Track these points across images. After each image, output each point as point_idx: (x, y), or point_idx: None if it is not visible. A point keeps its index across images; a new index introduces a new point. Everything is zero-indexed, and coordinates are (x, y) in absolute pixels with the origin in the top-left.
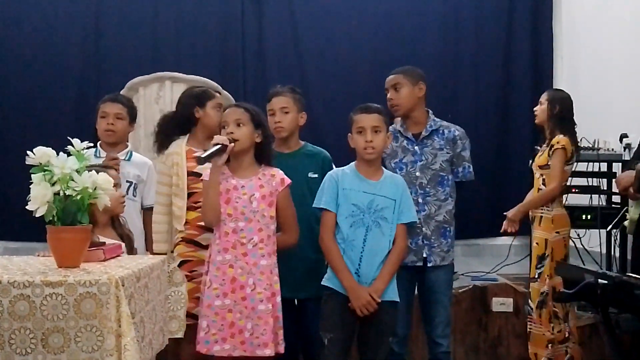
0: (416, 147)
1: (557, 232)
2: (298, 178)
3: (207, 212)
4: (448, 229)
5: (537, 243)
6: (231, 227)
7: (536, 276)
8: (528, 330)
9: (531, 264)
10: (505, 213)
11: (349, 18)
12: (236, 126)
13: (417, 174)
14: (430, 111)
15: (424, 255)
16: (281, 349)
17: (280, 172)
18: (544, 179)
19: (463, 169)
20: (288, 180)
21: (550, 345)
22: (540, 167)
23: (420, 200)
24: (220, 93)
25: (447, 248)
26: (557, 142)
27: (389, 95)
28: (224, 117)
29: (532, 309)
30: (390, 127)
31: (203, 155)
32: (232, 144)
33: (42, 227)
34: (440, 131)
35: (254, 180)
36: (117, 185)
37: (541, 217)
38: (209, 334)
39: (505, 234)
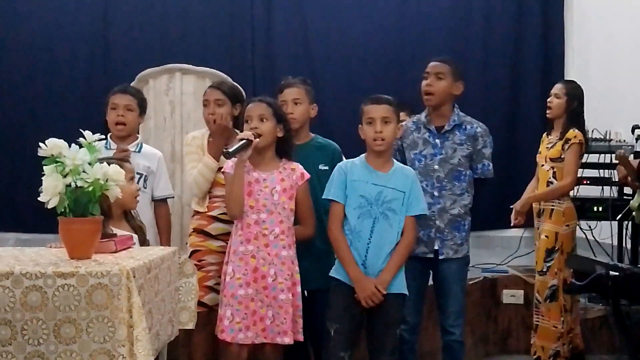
0: (437, 141)
1: (567, 226)
2: (308, 170)
3: (232, 205)
4: (462, 222)
5: (546, 236)
6: (253, 219)
7: (544, 269)
8: (535, 323)
9: (538, 257)
10: (512, 206)
11: (358, 9)
12: (260, 121)
13: (435, 167)
14: (456, 105)
15: (435, 247)
16: (300, 337)
17: (300, 166)
18: (554, 172)
19: (482, 165)
20: (307, 175)
21: (560, 338)
22: (552, 159)
23: (435, 193)
24: (221, 87)
25: (460, 241)
26: (574, 137)
27: (428, 81)
28: (247, 112)
29: (539, 302)
30: (415, 117)
31: (230, 150)
32: (257, 139)
33: (54, 219)
34: (463, 126)
35: (275, 174)
36: (132, 179)
37: (552, 210)
38: (233, 322)
39: (515, 227)
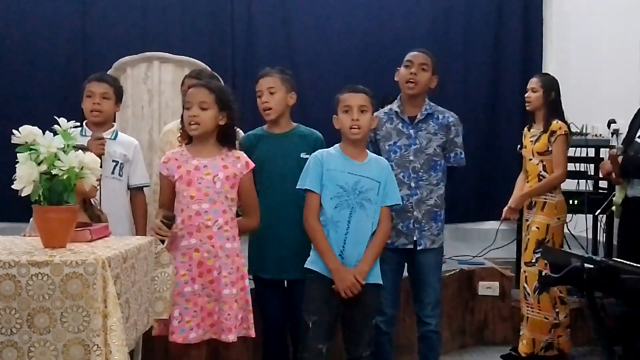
0: (411, 131)
1: (558, 218)
2: (290, 159)
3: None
4: (438, 212)
5: (537, 227)
6: (194, 210)
7: (533, 260)
8: (525, 315)
9: (527, 248)
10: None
11: (340, 5)
12: (200, 109)
13: (411, 157)
14: (426, 94)
15: (414, 238)
16: (251, 332)
17: (245, 155)
18: (544, 165)
19: (455, 154)
20: (252, 164)
21: (553, 330)
22: (540, 153)
23: (412, 184)
24: (199, 77)
25: (437, 232)
26: (559, 128)
27: (413, 70)
28: (188, 97)
29: (528, 293)
30: (386, 108)
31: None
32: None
33: (29, 207)
34: (435, 116)
35: (218, 160)
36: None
37: (544, 202)
38: (182, 322)
39: (489, 217)
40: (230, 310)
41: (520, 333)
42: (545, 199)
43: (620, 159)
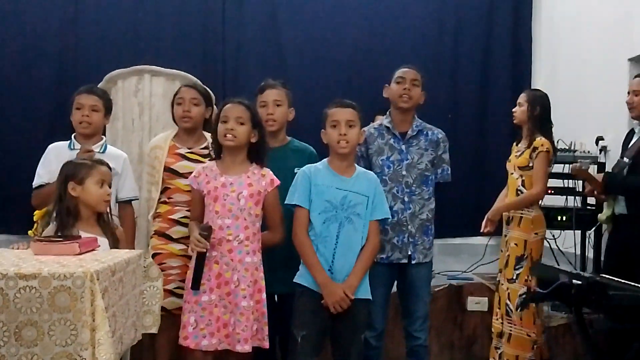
0: (403, 146)
1: (535, 233)
2: (284, 172)
3: None
4: (430, 227)
5: (515, 244)
6: (218, 225)
7: (514, 277)
8: (508, 332)
9: (507, 265)
10: (487, 216)
11: (330, 14)
12: (237, 123)
13: (404, 172)
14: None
15: (409, 252)
16: (266, 344)
17: (270, 172)
18: (523, 180)
19: (442, 170)
20: (277, 181)
21: (535, 346)
22: (520, 167)
23: (406, 198)
24: (197, 87)
25: (428, 245)
26: (542, 145)
27: (406, 86)
28: (225, 112)
29: (510, 310)
30: (376, 123)
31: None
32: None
33: (18, 220)
34: (425, 132)
35: (243, 177)
36: (103, 182)
37: (521, 217)
38: (197, 329)
39: (485, 234)
40: (247, 322)
41: (499, 351)
42: (521, 214)
43: (599, 176)
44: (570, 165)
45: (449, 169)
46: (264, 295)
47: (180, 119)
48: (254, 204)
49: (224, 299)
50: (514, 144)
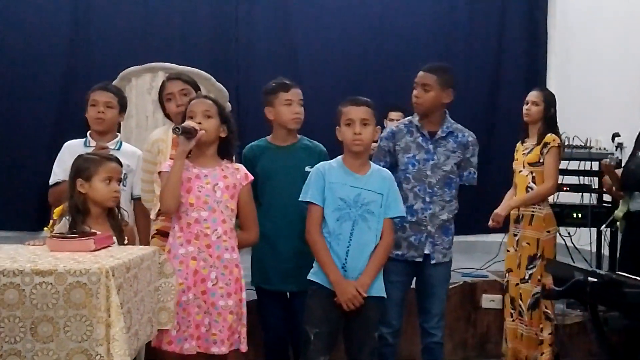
0: (430, 146)
1: (548, 231)
2: (294, 171)
3: (167, 196)
4: (450, 227)
5: (527, 243)
6: (194, 217)
7: (526, 277)
8: (520, 332)
9: (520, 265)
10: (495, 211)
11: (341, 12)
12: (204, 117)
13: (428, 172)
14: (447, 111)
15: (426, 252)
16: (244, 347)
17: (244, 168)
18: (534, 177)
19: (468, 173)
20: (251, 177)
21: (540, 345)
22: (531, 164)
23: (427, 198)
24: (181, 77)
25: (448, 245)
26: (553, 140)
27: (416, 92)
28: (191, 107)
29: (523, 310)
30: (406, 120)
31: (180, 127)
32: (203, 131)
33: (27, 217)
34: (455, 134)
35: (217, 170)
36: (111, 179)
37: (532, 215)
38: (180, 331)
39: (493, 230)
40: (224, 322)
41: (510, 349)
42: (532, 211)
43: (617, 170)
44: (600, 161)
45: (476, 172)
46: (244, 295)
47: (176, 114)
48: (230, 197)
49: (198, 297)
50: (519, 143)
